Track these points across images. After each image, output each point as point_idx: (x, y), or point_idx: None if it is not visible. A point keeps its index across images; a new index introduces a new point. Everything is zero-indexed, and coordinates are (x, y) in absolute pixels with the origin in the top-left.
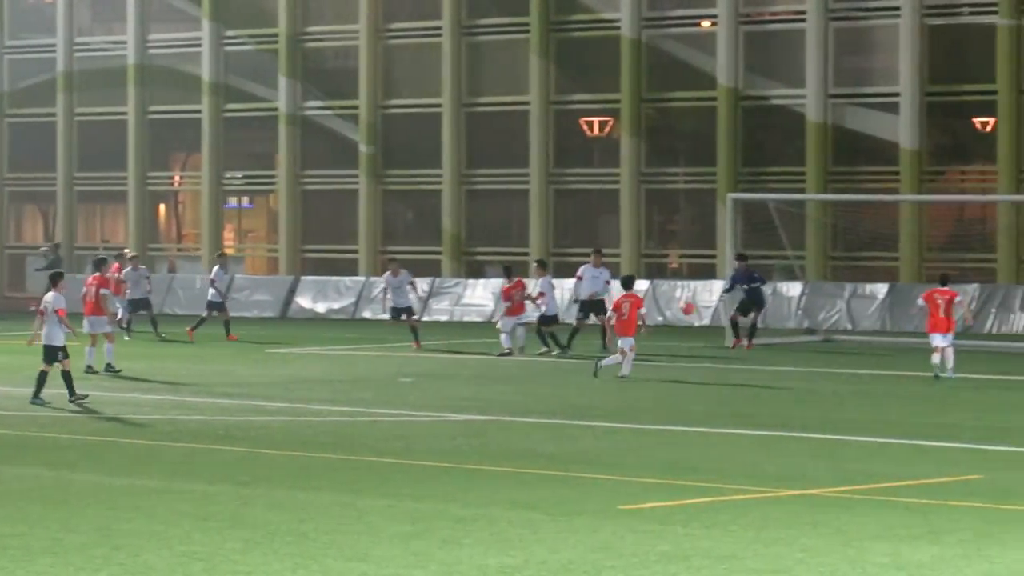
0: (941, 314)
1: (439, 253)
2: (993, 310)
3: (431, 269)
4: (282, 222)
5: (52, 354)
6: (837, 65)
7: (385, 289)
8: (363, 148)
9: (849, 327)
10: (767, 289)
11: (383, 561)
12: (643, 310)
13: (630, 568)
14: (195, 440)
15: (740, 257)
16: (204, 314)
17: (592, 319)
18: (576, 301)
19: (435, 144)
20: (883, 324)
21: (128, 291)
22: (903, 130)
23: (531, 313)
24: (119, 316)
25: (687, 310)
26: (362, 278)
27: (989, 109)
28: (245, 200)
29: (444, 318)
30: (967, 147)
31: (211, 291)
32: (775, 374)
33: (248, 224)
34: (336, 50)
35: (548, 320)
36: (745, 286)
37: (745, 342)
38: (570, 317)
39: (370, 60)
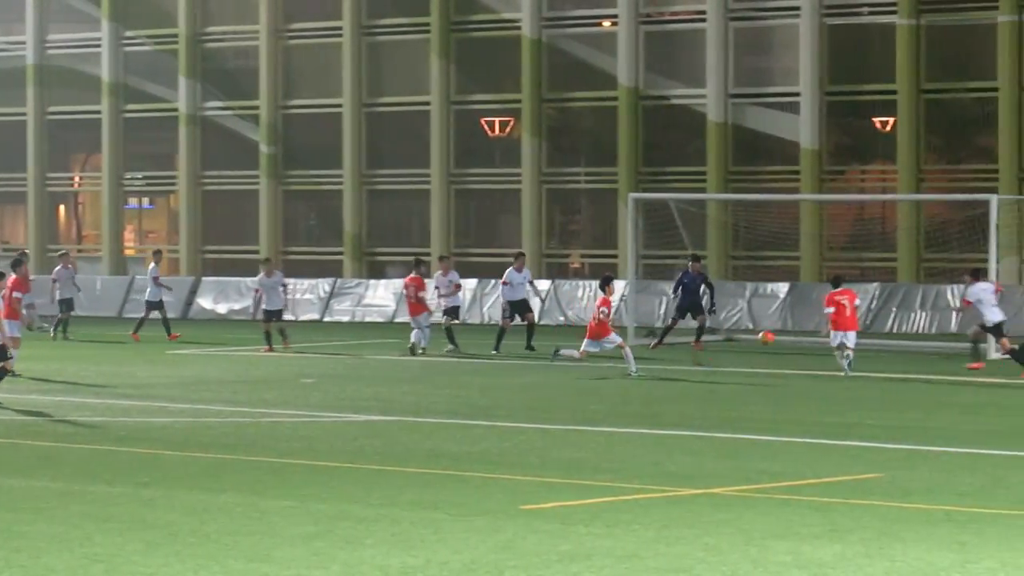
0: (848, 313)
1: (340, 253)
2: (893, 309)
3: (333, 270)
4: (183, 223)
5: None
6: (737, 65)
7: (258, 291)
8: (263, 148)
9: (750, 326)
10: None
11: (285, 562)
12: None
13: (532, 568)
14: (96, 442)
15: (695, 258)
16: (143, 314)
17: (518, 320)
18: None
19: (336, 144)
20: (784, 323)
21: (58, 290)
22: (803, 130)
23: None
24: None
25: (767, 338)
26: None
27: (888, 109)
28: (146, 201)
29: (346, 319)
30: (867, 146)
31: (149, 289)
32: (677, 373)
33: (149, 225)
34: (236, 50)
35: (452, 312)
36: (701, 287)
37: (653, 341)
38: (473, 317)
39: (270, 60)
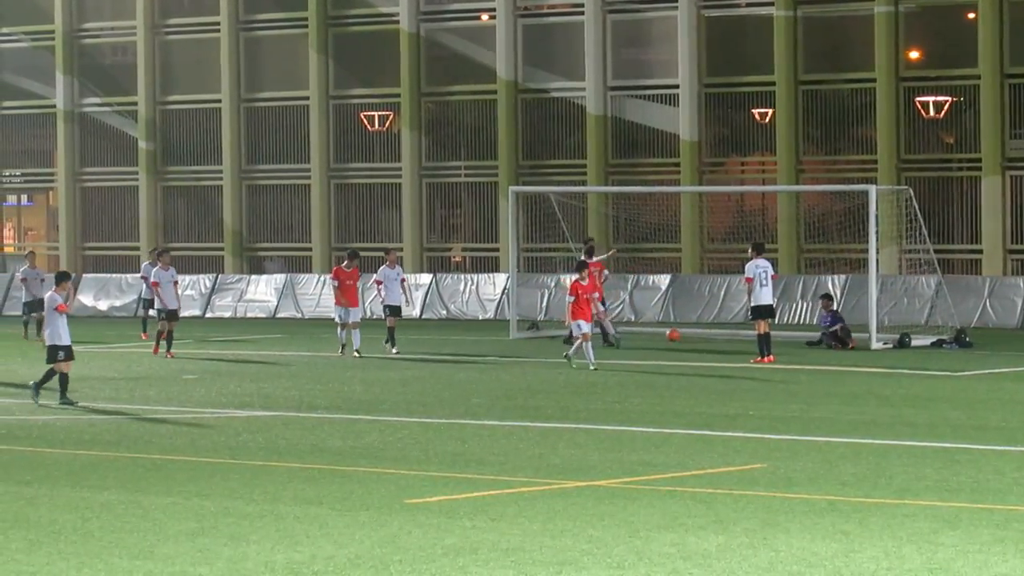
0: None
1: (221, 249)
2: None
3: (213, 265)
4: (62, 220)
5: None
6: (616, 57)
7: (24, 281)
8: (143, 144)
9: (632, 318)
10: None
11: (169, 559)
12: (595, 294)
13: (417, 562)
14: None
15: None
16: (144, 313)
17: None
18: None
19: (215, 140)
20: (666, 315)
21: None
22: (683, 121)
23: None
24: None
25: (672, 336)
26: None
27: (767, 100)
28: (24, 198)
29: (227, 314)
30: (746, 138)
31: (144, 288)
32: (559, 366)
33: (28, 222)
34: (113, 46)
35: (395, 310)
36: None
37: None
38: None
39: (148, 56)
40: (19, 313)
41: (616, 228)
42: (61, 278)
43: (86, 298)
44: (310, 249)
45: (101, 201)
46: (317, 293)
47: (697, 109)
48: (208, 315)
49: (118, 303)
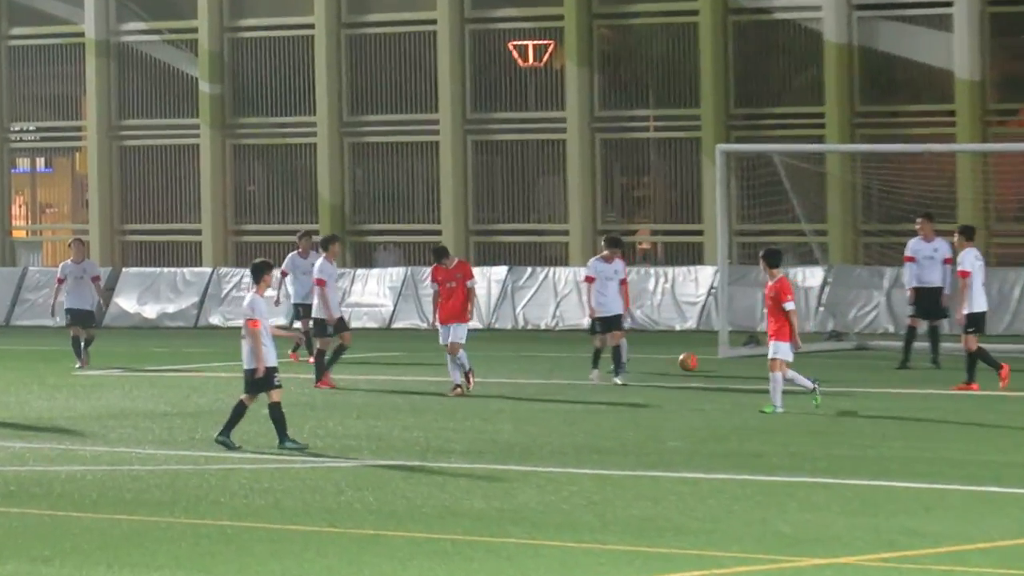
0: None
1: (316, 234)
2: None
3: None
4: (93, 192)
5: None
6: None
7: (61, 282)
8: (205, 87)
9: (890, 328)
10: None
11: None
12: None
13: None
14: None
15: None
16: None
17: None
18: None
19: (305, 80)
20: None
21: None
22: (958, 53)
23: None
24: None
25: (691, 363)
26: (207, 269)
27: None
28: (40, 162)
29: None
30: None
31: (289, 287)
32: (788, 398)
33: (46, 195)
34: None
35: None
36: None
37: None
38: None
39: None
40: (32, 322)
41: (868, 202)
42: (260, 271)
43: (126, 302)
44: (439, 232)
45: (147, 166)
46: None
47: (979, 36)
48: (296, 323)
49: (171, 308)
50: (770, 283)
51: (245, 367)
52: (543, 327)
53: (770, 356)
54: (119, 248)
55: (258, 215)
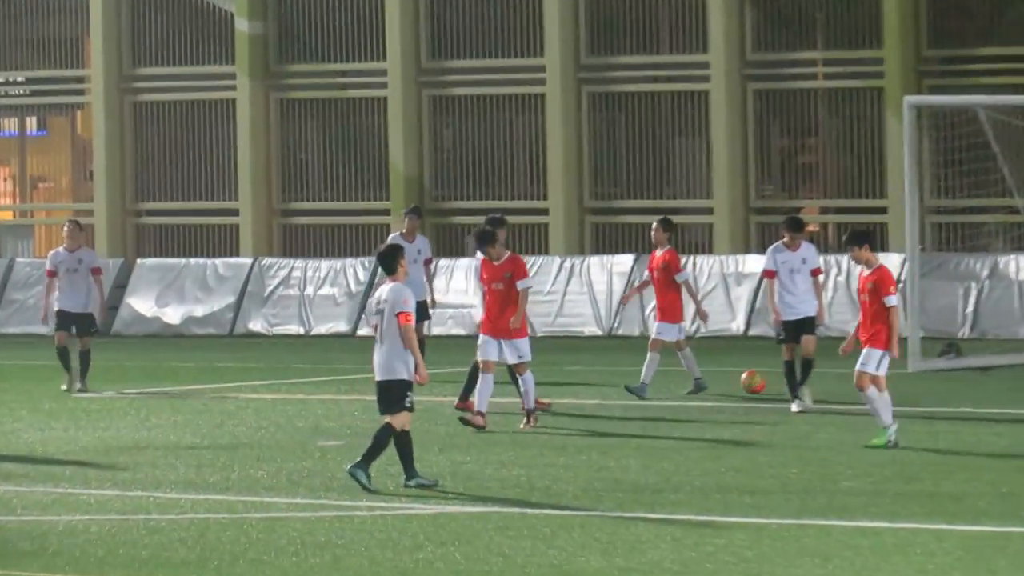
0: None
1: (384, 212)
2: None
3: (370, 239)
4: (100, 162)
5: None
6: None
7: (53, 275)
8: (242, 26)
9: None
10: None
11: None
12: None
13: None
14: None
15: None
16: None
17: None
18: None
19: (370, 19)
20: None
21: None
22: None
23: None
24: None
25: (756, 384)
26: (246, 260)
27: None
28: (32, 123)
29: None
30: None
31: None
32: (997, 421)
33: (39, 165)
34: None
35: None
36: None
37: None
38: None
39: None
40: (20, 329)
41: None
42: (393, 258)
43: (141, 302)
44: (544, 212)
45: (168, 128)
46: (559, 290)
47: None
48: (362, 330)
49: (200, 310)
50: (865, 272)
51: (393, 377)
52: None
53: (858, 368)
54: (133, 234)
55: (311, 190)
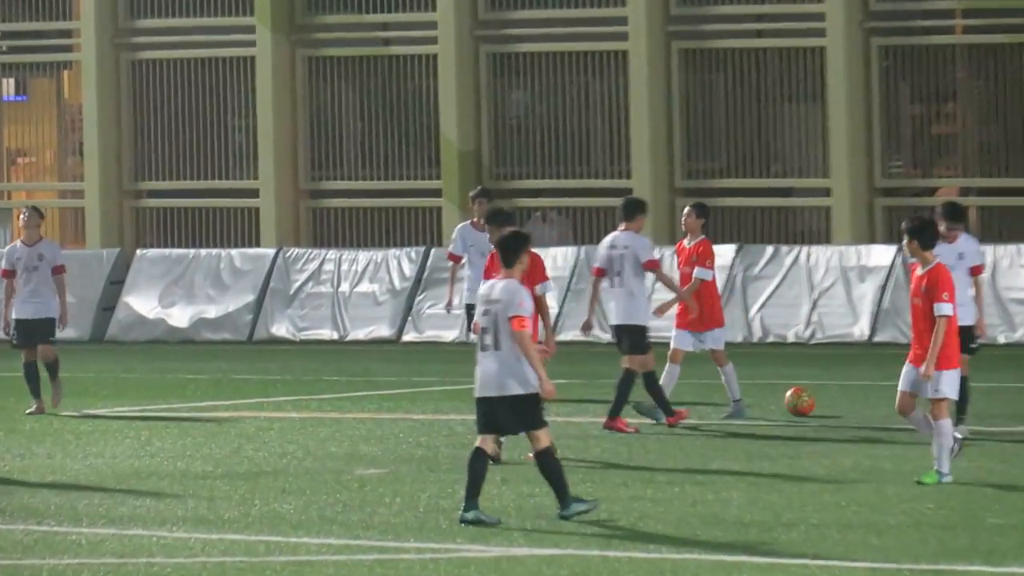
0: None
1: (435, 193)
2: None
3: (420, 227)
4: (91, 132)
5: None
6: None
7: (10, 275)
8: None
9: None
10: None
11: None
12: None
13: None
14: None
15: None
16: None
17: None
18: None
19: None
20: None
21: None
22: None
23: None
24: None
25: (802, 402)
26: (268, 251)
27: None
28: (9, 85)
29: (448, 332)
30: None
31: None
32: None
33: (18, 137)
34: None
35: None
36: None
37: None
38: None
39: None
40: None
41: None
42: (519, 245)
43: (141, 301)
44: (627, 191)
45: (174, 91)
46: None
47: None
48: (408, 335)
49: (212, 311)
50: (919, 271)
51: (507, 393)
52: (791, 338)
53: (930, 394)
54: (131, 219)
55: (346, 166)
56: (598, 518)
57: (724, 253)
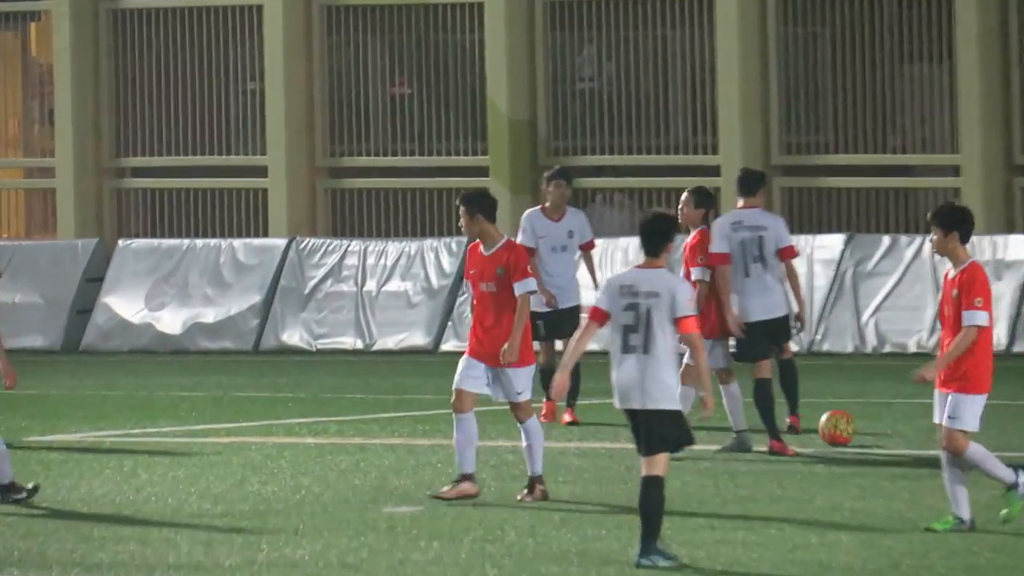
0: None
1: (481, 172)
2: None
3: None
4: (64, 98)
5: None
6: None
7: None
8: None
9: None
10: None
11: None
12: None
13: None
14: None
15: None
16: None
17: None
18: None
19: None
20: None
21: None
22: None
23: None
24: None
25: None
26: (279, 241)
27: None
28: None
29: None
30: None
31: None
32: None
33: None
34: None
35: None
36: None
37: None
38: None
39: None
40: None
41: None
42: (664, 232)
43: (123, 302)
44: (714, 171)
45: (163, 48)
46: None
47: None
48: (447, 343)
49: (211, 314)
50: (952, 272)
51: (660, 407)
52: (912, 347)
53: (944, 421)
54: (112, 202)
55: (373, 139)
56: (679, 566)
57: (831, 245)
